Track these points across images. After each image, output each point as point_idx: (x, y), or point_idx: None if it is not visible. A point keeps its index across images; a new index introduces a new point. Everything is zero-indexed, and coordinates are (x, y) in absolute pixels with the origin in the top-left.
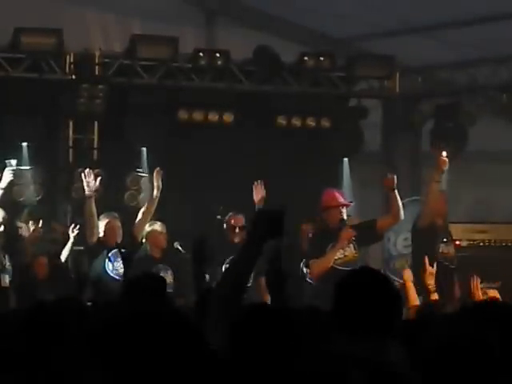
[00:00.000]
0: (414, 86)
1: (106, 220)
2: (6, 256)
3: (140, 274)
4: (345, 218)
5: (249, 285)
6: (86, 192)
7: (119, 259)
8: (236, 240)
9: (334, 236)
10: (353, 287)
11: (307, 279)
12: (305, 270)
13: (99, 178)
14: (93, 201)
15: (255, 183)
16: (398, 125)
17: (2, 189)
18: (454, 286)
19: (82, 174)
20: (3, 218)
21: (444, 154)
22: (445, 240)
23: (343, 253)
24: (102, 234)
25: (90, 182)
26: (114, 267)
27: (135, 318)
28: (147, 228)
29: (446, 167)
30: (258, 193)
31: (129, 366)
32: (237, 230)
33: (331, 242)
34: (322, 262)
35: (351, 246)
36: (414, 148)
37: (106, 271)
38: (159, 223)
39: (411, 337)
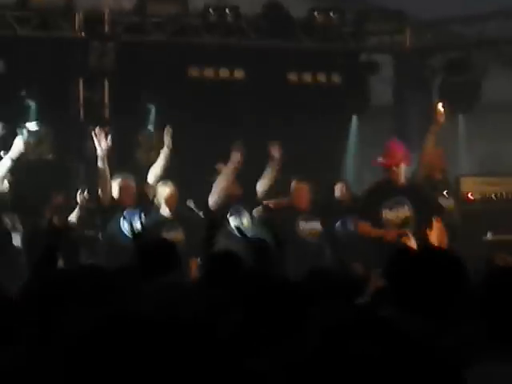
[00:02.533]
0: (425, 41)
1: (120, 180)
2: (16, 216)
3: (150, 240)
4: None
5: None
6: (98, 151)
7: (135, 218)
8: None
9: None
10: (411, 265)
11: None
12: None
13: (109, 136)
14: (105, 160)
15: (272, 145)
16: (409, 79)
17: (11, 158)
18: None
19: (93, 133)
20: (10, 180)
21: (440, 106)
22: (445, 194)
23: (396, 214)
24: (116, 195)
25: (101, 140)
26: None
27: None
28: (159, 187)
29: (443, 119)
30: (275, 152)
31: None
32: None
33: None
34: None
35: (405, 206)
36: (424, 102)
37: (122, 230)
38: (170, 182)
39: None
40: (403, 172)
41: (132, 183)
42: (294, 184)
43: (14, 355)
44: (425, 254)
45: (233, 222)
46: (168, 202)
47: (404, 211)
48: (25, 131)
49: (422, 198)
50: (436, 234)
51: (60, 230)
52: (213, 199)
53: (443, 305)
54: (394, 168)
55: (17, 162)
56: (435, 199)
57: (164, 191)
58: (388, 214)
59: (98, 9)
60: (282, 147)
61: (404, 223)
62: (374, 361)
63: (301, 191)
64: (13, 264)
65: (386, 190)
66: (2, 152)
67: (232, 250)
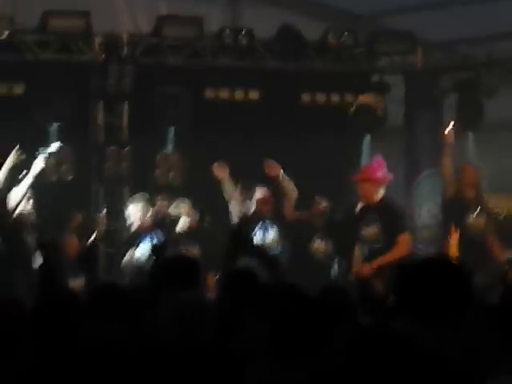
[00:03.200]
0: (436, 61)
1: (139, 208)
2: (38, 235)
3: (172, 256)
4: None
5: None
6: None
7: (148, 243)
8: (264, 213)
9: None
10: (419, 274)
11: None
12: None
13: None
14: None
15: (266, 163)
16: (419, 99)
17: (32, 177)
18: (483, 257)
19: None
20: (32, 200)
21: (449, 127)
22: (475, 212)
23: (368, 231)
24: (137, 223)
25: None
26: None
27: None
28: (175, 208)
29: (452, 140)
30: (273, 171)
31: None
32: (267, 204)
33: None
34: None
35: (375, 223)
36: (435, 122)
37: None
38: (187, 200)
39: None
40: (372, 189)
41: (148, 209)
42: (315, 201)
43: (21, 369)
44: (428, 266)
45: (256, 238)
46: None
47: (373, 228)
48: (46, 153)
49: (390, 215)
50: (401, 248)
51: (52, 247)
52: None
53: (451, 313)
54: (360, 185)
55: (38, 183)
56: (402, 216)
57: (181, 209)
58: (363, 231)
59: (117, 32)
60: (297, 166)
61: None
62: (393, 374)
63: (321, 209)
64: (35, 281)
65: (363, 209)
66: (23, 172)
67: (249, 267)
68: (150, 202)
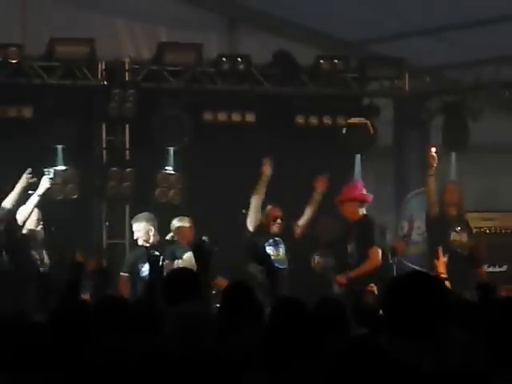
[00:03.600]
0: (423, 85)
1: (143, 225)
2: (44, 251)
3: (176, 270)
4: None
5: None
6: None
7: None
8: (275, 229)
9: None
10: (400, 290)
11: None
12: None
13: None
14: None
15: (319, 177)
16: (408, 121)
17: (38, 195)
18: (467, 273)
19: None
20: (39, 217)
21: (433, 150)
22: (458, 229)
23: (349, 246)
24: (142, 239)
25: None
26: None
27: None
28: (176, 224)
29: (435, 163)
30: (321, 185)
31: None
32: (277, 221)
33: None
34: None
35: (352, 239)
36: (423, 143)
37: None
38: (187, 218)
39: None
40: (351, 208)
41: (151, 226)
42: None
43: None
44: (411, 282)
45: (269, 251)
46: (184, 236)
47: (352, 244)
48: (52, 172)
49: (362, 230)
50: (371, 261)
51: (81, 267)
52: (251, 221)
53: (434, 330)
54: (340, 206)
55: (45, 201)
56: (371, 230)
57: (180, 226)
58: (347, 248)
59: (119, 58)
60: (291, 185)
61: None
62: None
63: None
64: (39, 295)
65: (348, 227)
66: (30, 191)
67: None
68: (153, 221)
